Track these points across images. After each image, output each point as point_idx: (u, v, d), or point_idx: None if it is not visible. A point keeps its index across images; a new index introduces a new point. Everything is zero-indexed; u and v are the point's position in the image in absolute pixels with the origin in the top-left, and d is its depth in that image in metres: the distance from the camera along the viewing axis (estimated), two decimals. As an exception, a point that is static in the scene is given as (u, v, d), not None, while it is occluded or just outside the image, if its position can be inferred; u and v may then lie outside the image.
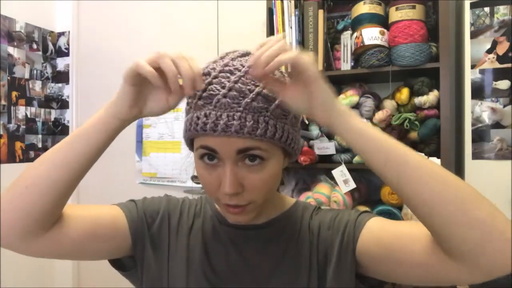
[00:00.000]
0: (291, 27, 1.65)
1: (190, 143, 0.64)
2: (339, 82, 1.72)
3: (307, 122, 1.67)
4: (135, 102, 0.58)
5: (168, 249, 0.69)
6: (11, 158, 2.18)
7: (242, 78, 0.56)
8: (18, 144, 2.22)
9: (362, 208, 1.55)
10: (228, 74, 0.56)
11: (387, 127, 1.56)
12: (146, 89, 0.58)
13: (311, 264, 0.64)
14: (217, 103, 0.55)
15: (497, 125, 1.49)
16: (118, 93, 0.59)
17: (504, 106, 1.48)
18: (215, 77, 0.57)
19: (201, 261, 0.67)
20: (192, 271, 0.66)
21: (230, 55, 0.60)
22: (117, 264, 0.70)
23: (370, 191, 1.72)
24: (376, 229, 0.61)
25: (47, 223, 0.58)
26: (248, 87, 0.55)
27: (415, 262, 0.54)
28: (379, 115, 1.54)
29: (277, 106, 0.57)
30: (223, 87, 0.55)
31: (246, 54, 0.60)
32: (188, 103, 0.62)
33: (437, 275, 0.53)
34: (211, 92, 0.56)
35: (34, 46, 2.33)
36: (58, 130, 2.45)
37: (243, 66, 0.57)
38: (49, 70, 2.42)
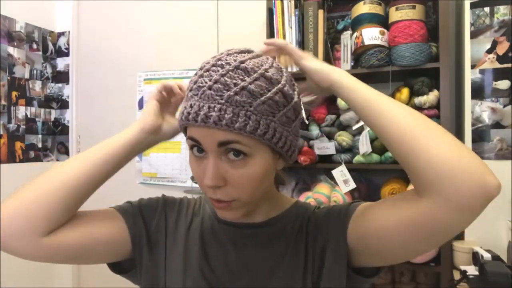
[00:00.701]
0: (291, 27, 1.65)
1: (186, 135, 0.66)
2: (339, 82, 1.72)
3: (307, 122, 1.67)
4: (159, 114, 0.68)
5: (165, 248, 0.68)
6: (11, 158, 2.18)
7: (230, 72, 0.56)
8: (18, 144, 2.22)
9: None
10: (219, 68, 0.57)
11: (387, 127, 1.56)
12: (165, 110, 0.71)
13: (307, 264, 0.64)
14: (202, 94, 0.56)
15: (497, 125, 1.49)
16: (144, 110, 0.69)
17: (504, 106, 1.48)
18: (207, 70, 0.58)
19: (198, 260, 0.67)
20: (190, 270, 0.66)
21: (228, 51, 0.61)
22: (117, 267, 0.70)
23: (370, 191, 1.72)
24: (363, 209, 0.62)
25: (52, 228, 0.59)
26: (234, 81, 0.56)
27: (402, 217, 0.54)
28: (379, 115, 1.54)
29: (264, 103, 0.56)
30: (210, 80, 0.56)
31: (245, 51, 0.61)
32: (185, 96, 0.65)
33: (424, 223, 0.52)
34: (199, 84, 0.57)
35: (34, 46, 2.33)
36: (58, 130, 2.45)
37: (235, 61, 0.57)
38: (49, 70, 2.42)
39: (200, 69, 0.59)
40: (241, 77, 0.56)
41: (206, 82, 0.56)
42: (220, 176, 0.57)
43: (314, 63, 0.67)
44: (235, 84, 0.55)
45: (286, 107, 0.59)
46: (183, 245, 0.68)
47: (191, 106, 0.57)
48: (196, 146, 0.59)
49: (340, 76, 0.63)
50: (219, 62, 0.58)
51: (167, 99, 0.72)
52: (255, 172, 0.58)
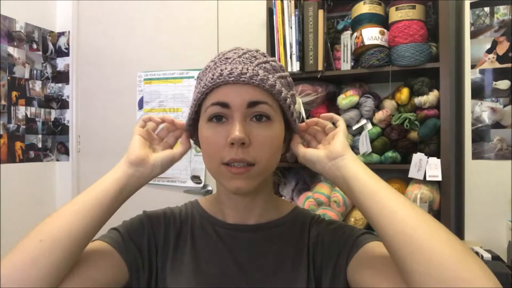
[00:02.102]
0: (291, 27, 1.65)
1: (197, 109, 0.65)
2: (339, 82, 1.72)
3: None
4: (144, 145, 0.66)
5: (156, 268, 0.67)
6: (11, 158, 2.18)
7: (253, 51, 0.64)
8: (18, 144, 2.22)
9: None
10: (238, 51, 0.63)
11: (387, 127, 1.57)
12: (151, 144, 0.69)
13: (309, 273, 0.63)
14: (232, 61, 0.61)
15: (497, 125, 1.49)
16: (128, 148, 0.66)
17: (504, 106, 1.48)
18: (229, 51, 0.64)
19: (191, 268, 0.65)
20: (182, 279, 0.65)
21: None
22: None
23: (370, 191, 1.71)
24: (370, 253, 0.58)
25: (55, 284, 0.53)
26: (259, 56, 0.63)
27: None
28: (379, 115, 1.54)
29: (282, 77, 0.64)
30: (237, 55, 0.62)
31: (250, 51, 0.65)
32: (199, 77, 0.67)
33: None
34: (226, 56, 0.62)
35: (34, 46, 2.33)
36: (58, 130, 2.45)
37: (250, 51, 0.64)
38: (49, 70, 2.42)
39: (215, 58, 0.64)
40: (262, 55, 0.64)
41: (233, 54, 0.62)
42: (246, 134, 0.58)
43: (337, 144, 0.62)
44: (261, 58, 0.63)
45: (291, 92, 0.66)
46: (174, 258, 0.67)
47: (221, 70, 0.60)
48: (215, 116, 0.60)
49: (349, 163, 0.60)
50: (234, 50, 0.64)
51: (151, 135, 0.69)
52: (276, 135, 0.62)
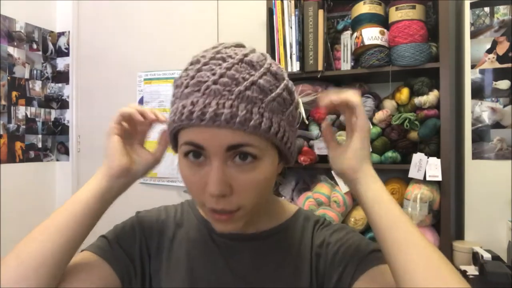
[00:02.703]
0: (291, 27, 1.65)
1: (174, 139, 0.57)
2: (339, 82, 1.72)
3: (307, 122, 1.67)
4: (124, 151, 0.59)
5: (150, 277, 0.64)
6: (11, 158, 2.18)
7: (236, 65, 0.50)
8: (18, 144, 2.22)
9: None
10: (220, 61, 0.51)
11: (387, 127, 1.57)
12: (131, 143, 0.62)
13: (311, 282, 0.60)
14: (206, 90, 0.49)
15: (497, 125, 1.49)
16: (105, 151, 0.59)
17: (504, 106, 1.48)
18: (205, 63, 0.51)
19: (186, 276, 0.62)
20: (176, 284, 0.62)
21: (223, 45, 0.55)
22: None
23: (370, 191, 1.71)
24: (379, 277, 0.54)
25: None
26: (242, 75, 0.50)
27: None
28: (379, 115, 1.54)
29: (274, 100, 0.51)
30: (214, 74, 0.50)
31: (241, 45, 0.56)
32: (174, 95, 0.55)
33: None
34: (200, 79, 0.50)
35: (34, 46, 2.33)
36: (58, 130, 2.45)
37: (237, 54, 0.52)
38: (49, 70, 2.42)
39: (195, 63, 0.52)
40: (247, 71, 0.50)
41: (208, 76, 0.50)
42: (226, 183, 0.50)
43: (349, 156, 0.57)
44: (244, 79, 0.50)
45: (291, 105, 0.56)
46: (167, 265, 0.64)
47: (192, 104, 0.49)
48: (192, 152, 0.52)
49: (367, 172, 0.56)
50: (218, 55, 0.52)
51: (130, 130, 0.63)
52: (263, 176, 0.52)
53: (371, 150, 1.55)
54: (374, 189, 0.54)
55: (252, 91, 0.49)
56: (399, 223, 0.50)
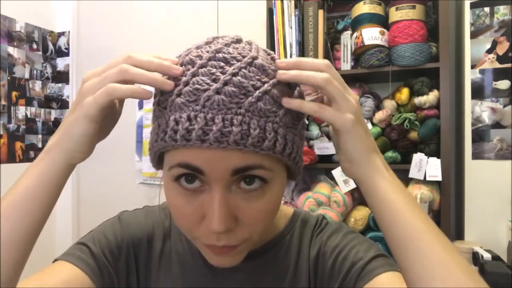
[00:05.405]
0: (291, 27, 1.65)
1: (159, 158, 0.46)
2: (339, 82, 1.72)
3: (307, 122, 1.67)
4: (95, 137, 0.45)
5: (138, 285, 0.56)
6: (11, 158, 2.18)
7: (244, 70, 0.40)
8: (18, 144, 2.22)
9: (362, 208, 1.55)
10: (222, 64, 0.41)
11: (387, 127, 1.57)
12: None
13: None
14: (206, 101, 0.39)
15: (497, 125, 1.49)
16: (67, 123, 0.44)
17: (504, 106, 1.48)
18: (203, 66, 0.41)
19: None
20: None
21: (220, 40, 0.45)
22: None
23: (370, 191, 1.71)
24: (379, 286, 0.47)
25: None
26: (252, 82, 0.40)
27: None
28: (379, 115, 1.54)
29: (288, 112, 0.42)
30: (216, 80, 0.40)
31: (240, 40, 0.47)
32: (158, 102, 0.44)
33: None
34: (197, 86, 0.40)
35: (34, 46, 2.33)
36: (58, 130, 2.45)
37: (243, 55, 0.42)
38: (49, 70, 2.42)
39: (188, 64, 0.42)
40: (257, 77, 0.41)
41: (209, 84, 0.39)
42: (231, 216, 0.41)
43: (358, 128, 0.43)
44: (255, 87, 0.40)
45: (303, 116, 0.46)
46: (156, 279, 0.56)
47: (189, 119, 0.39)
48: (186, 175, 0.41)
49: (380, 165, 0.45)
50: (220, 55, 0.41)
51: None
52: (273, 203, 0.44)
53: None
54: (382, 190, 0.43)
55: (265, 102, 0.40)
56: (423, 240, 0.40)
